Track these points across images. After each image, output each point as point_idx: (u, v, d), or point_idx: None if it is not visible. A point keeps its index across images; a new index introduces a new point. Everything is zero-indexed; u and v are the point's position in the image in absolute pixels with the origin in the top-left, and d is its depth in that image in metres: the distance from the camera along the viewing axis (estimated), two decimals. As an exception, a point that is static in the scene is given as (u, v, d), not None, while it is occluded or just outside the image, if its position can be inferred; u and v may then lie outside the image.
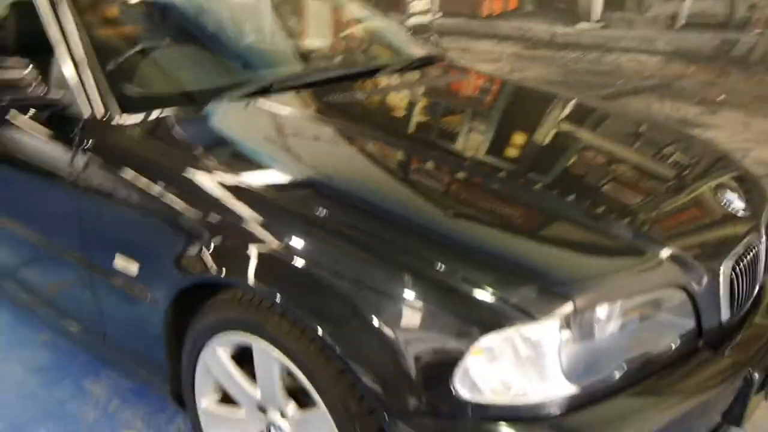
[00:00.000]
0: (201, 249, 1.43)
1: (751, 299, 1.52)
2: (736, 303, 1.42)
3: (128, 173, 1.62)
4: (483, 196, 1.49)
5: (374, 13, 2.90)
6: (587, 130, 2.04)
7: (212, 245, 1.41)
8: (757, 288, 1.54)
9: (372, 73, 2.25)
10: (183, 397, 1.70)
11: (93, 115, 1.75)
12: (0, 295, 2.64)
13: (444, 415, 1.16)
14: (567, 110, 2.18)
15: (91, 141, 1.72)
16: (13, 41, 2.21)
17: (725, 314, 1.39)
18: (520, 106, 2.23)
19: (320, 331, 1.23)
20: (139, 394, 2.17)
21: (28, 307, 2.26)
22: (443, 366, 1.15)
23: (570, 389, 1.17)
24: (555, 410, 1.16)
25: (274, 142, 1.72)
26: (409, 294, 1.18)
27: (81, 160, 1.72)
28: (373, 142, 1.71)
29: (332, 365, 1.25)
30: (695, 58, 3.49)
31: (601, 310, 1.20)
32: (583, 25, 3.86)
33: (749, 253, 1.46)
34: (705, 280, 1.33)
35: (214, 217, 1.44)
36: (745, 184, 1.72)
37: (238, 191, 1.45)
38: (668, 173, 1.72)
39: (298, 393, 1.41)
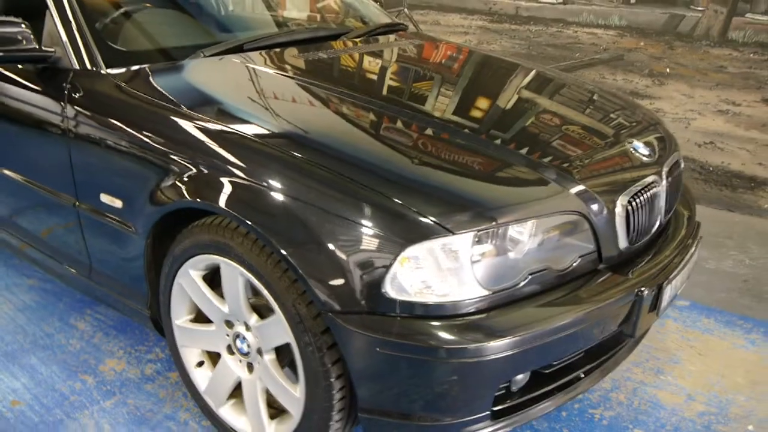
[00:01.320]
0: (177, 181, 1.64)
1: (653, 231, 1.76)
2: (633, 233, 1.66)
3: (111, 119, 1.82)
4: (430, 142, 1.69)
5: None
6: (527, 90, 2.27)
7: (187, 177, 1.62)
8: (658, 221, 1.78)
9: (338, 37, 2.46)
10: (161, 323, 1.92)
11: (82, 68, 1.94)
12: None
13: (377, 312, 1.39)
14: (505, 71, 2.42)
15: (79, 91, 1.91)
16: (2, 3, 2.38)
17: (622, 242, 1.62)
18: (467, 66, 2.45)
19: (281, 250, 1.45)
20: (120, 329, 2.39)
21: (20, 252, 2.45)
22: (377, 272, 1.36)
23: (482, 292, 1.40)
24: (470, 310, 1.40)
25: (242, 91, 1.91)
26: (355, 217, 1.40)
27: (70, 108, 1.91)
28: (331, 93, 1.91)
29: (286, 277, 1.47)
30: (646, 32, 3.72)
31: (509, 229, 1.43)
32: (545, 0, 4.07)
33: (646, 192, 1.70)
34: (603, 211, 1.57)
35: (188, 154, 1.64)
36: (658, 138, 1.96)
37: (209, 132, 1.65)
38: (597, 129, 1.94)
39: (258, 309, 1.64)
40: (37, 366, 2.17)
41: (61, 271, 2.26)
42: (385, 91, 2.05)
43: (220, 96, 1.88)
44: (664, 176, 1.79)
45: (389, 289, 1.37)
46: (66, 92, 1.94)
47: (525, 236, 1.45)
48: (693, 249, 1.85)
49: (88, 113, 1.88)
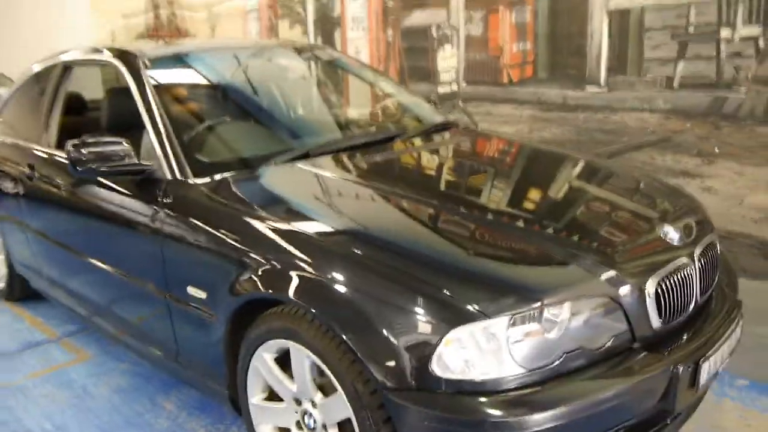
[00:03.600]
0: (252, 275, 1.90)
1: (689, 310, 1.87)
2: (665, 313, 1.78)
3: (198, 222, 2.12)
4: (477, 232, 1.88)
5: (400, 87, 3.42)
6: (571, 179, 2.45)
7: (261, 271, 1.88)
8: (693, 301, 1.89)
9: (394, 138, 2.73)
10: (238, 402, 2.14)
11: (173, 179, 2.28)
12: (92, 330, 3.19)
13: (425, 389, 1.56)
14: (556, 164, 2.62)
15: (170, 198, 2.24)
16: (107, 120, 2.81)
17: (655, 322, 1.75)
18: (524, 161, 2.67)
19: (342, 335, 1.67)
20: (202, 409, 2.63)
21: (116, 338, 2.76)
22: (425, 353, 1.55)
23: (519, 371, 1.56)
24: (509, 386, 1.55)
25: (312, 196, 2.19)
26: (406, 305, 1.60)
27: (163, 212, 2.24)
28: (389, 192, 2.14)
29: (346, 358, 1.67)
30: (691, 114, 3.87)
31: (543, 312, 1.59)
32: (591, 89, 4.30)
33: (677, 274, 1.83)
34: (633, 294, 1.71)
35: (262, 251, 1.91)
36: (692, 221, 2.09)
37: (280, 232, 1.91)
38: (633, 215, 2.09)
39: (323, 388, 1.83)
40: (130, 442, 2.42)
41: (151, 356, 2.54)
42: (438, 187, 2.29)
43: (289, 199, 2.16)
44: (696, 258, 1.92)
45: (435, 368, 1.55)
46: (159, 198, 2.27)
47: (558, 319, 1.60)
48: (733, 326, 1.94)
49: (178, 216, 2.20)
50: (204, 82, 2.92)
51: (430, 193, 2.18)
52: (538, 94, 4.54)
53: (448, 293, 1.59)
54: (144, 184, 2.37)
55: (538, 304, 1.59)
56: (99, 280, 2.74)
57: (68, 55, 3.25)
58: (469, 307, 1.56)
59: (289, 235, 1.89)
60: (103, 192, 2.56)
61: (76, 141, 2.30)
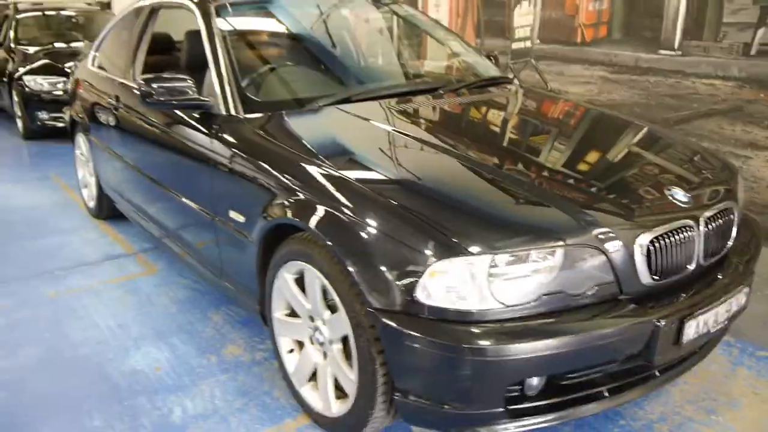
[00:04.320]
0: (283, 203, 2.11)
1: (687, 271, 1.91)
2: (658, 270, 1.84)
3: (241, 152, 2.35)
4: (492, 178, 1.98)
5: (463, 43, 3.47)
6: (602, 137, 2.49)
7: (290, 201, 2.09)
8: (694, 263, 1.92)
9: (440, 88, 2.84)
10: (265, 315, 2.39)
11: (226, 114, 2.52)
12: (162, 249, 3.56)
13: (410, 313, 1.72)
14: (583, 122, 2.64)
15: (222, 130, 2.49)
16: (184, 59, 3.08)
17: (645, 278, 1.81)
18: (559, 116, 2.71)
19: (344, 260, 1.85)
20: (244, 323, 2.93)
21: (179, 257, 3.09)
22: (411, 280, 1.70)
23: (496, 306, 1.69)
24: (485, 319, 1.69)
25: (343, 137, 2.35)
26: (401, 237, 1.74)
27: (216, 144, 2.49)
28: (418, 138, 2.26)
29: (347, 281, 1.86)
30: (766, 84, 3.70)
31: (523, 255, 1.70)
32: (664, 52, 4.18)
33: (675, 235, 1.87)
34: (620, 247, 1.77)
35: (296, 183, 2.10)
36: (709, 187, 2.11)
37: (309, 167, 2.10)
38: (649, 174, 2.12)
39: (331, 308, 2.04)
40: (178, 345, 2.75)
41: (204, 274, 2.84)
42: (464, 134, 2.40)
43: (320, 138, 2.33)
44: (702, 222, 1.94)
45: (420, 295, 1.71)
46: (214, 131, 2.52)
47: (541, 264, 1.71)
48: (733, 293, 1.96)
49: (225, 147, 2.44)
50: (270, 28, 3.12)
51: (454, 138, 2.30)
52: (611, 55, 4.45)
53: (440, 229, 1.73)
54: (203, 118, 2.63)
55: (521, 247, 1.70)
56: (167, 205, 3.06)
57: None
58: (456, 243, 1.69)
59: (316, 171, 2.08)
60: (172, 123, 2.85)
61: (147, 76, 2.58)
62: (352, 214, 1.88)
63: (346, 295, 1.87)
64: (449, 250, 1.69)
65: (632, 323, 1.74)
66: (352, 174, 2.03)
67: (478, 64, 3.28)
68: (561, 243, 1.73)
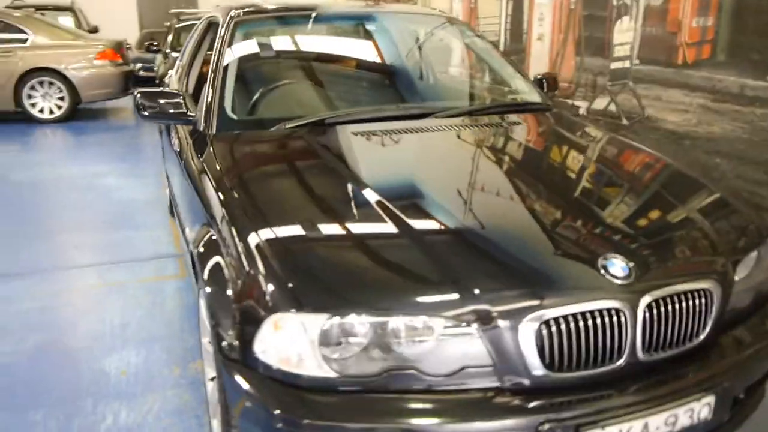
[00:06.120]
0: (203, 226, 2.06)
1: (610, 366, 1.53)
2: (555, 360, 1.48)
3: (206, 162, 2.30)
4: (373, 228, 1.74)
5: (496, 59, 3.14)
6: (571, 175, 2.10)
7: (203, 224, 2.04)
8: (624, 357, 1.53)
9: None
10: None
11: (202, 129, 2.53)
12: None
13: (247, 365, 1.56)
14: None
15: (194, 147, 2.50)
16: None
17: (537, 368, 1.47)
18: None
19: (208, 300, 1.75)
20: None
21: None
22: (250, 332, 1.55)
23: (328, 374, 1.47)
24: (317, 386, 1.48)
25: (275, 163, 2.26)
26: (255, 287, 1.58)
27: (192, 154, 2.50)
28: (347, 175, 2.05)
29: (211, 317, 1.73)
30: None
31: (369, 321, 1.46)
32: (772, 79, 3.48)
33: (591, 318, 1.49)
34: (497, 327, 1.45)
35: (206, 205, 2.05)
36: (676, 258, 1.67)
37: (216, 194, 2.01)
38: (594, 235, 1.72)
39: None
40: (156, 351, 2.82)
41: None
42: (405, 174, 2.14)
43: (248, 162, 2.25)
44: (642, 305, 1.54)
45: (257, 348, 1.55)
46: (189, 146, 2.55)
47: (383, 331, 1.46)
48: (680, 401, 1.53)
49: (192, 163, 2.44)
50: (275, 46, 3.08)
51: (386, 178, 2.07)
52: (713, 80, 3.80)
53: (287, 280, 1.55)
54: (192, 132, 2.67)
55: (361, 311, 1.47)
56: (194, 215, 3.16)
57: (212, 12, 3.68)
58: (294, 298, 1.51)
59: (220, 195, 2.00)
60: (180, 135, 2.93)
61: (143, 89, 2.67)
62: (224, 250, 1.77)
63: (210, 331, 1.76)
64: (287, 304, 1.52)
65: (495, 422, 1.42)
66: (235, 206, 1.90)
67: (515, 89, 2.96)
68: (415, 313, 1.47)
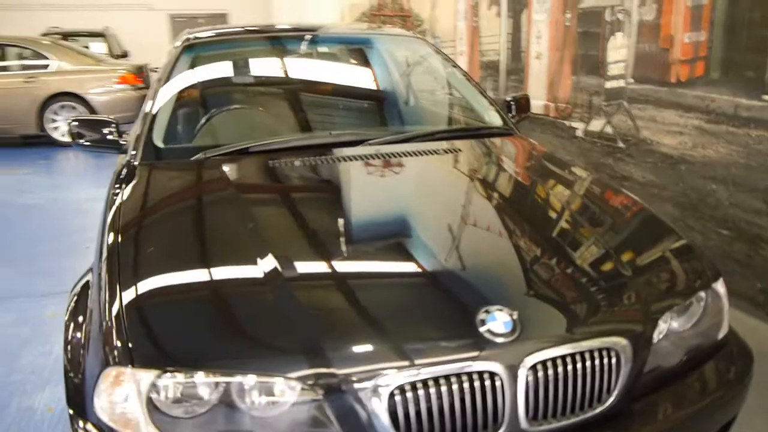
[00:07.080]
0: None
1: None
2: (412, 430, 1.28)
3: (114, 195, 2.15)
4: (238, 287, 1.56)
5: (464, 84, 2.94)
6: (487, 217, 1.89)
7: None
8: (504, 427, 1.33)
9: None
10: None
11: (131, 158, 2.41)
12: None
13: (91, 420, 1.40)
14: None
15: (122, 173, 2.36)
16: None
17: None
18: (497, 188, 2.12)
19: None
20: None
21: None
22: (89, 385, 1.41)
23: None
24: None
25: (166, 195, 2.11)
26: (97, 333, 1.46)
27: (122, 182, 2.37)
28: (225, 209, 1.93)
29: None
30: None
31: (191, 382, 1.30)
32: (768, 99, 3.21)
33: (459, 382, 1.29)
34: (351, 395, 1.27)
35: (99, 241, 1.92)
36: (572, 312, 1.45)
37: (110, 230, 1.87)
38: (493, 290, 1.52)
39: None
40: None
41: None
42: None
43: (148, 194, 2.11)
44: (523, 366, 1.33)
45: (96, 404, 1.40)
46: (122, 171, 2.43)
47: (220, 395, 1.29)
48: None
49: (124, 187, 2.32)
50: (216, 71, 2.95)
51: (276, 216, 1.93)
52: (707, 99, 3.53)
53: (129, 333, 1.40)
54: (125, 162, 2.55)
55: (199, 370, 1.30)
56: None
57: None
58: (122, 351, 1.36)
59: (109, 235, 1.85)
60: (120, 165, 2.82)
61: (79, 117, 2.59)
62: (90, 296, 1.64)
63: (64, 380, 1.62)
64: (117, 356, 1.36)
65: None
66: (114, 252, 1.73)
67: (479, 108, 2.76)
68: (240, 375, 1.30)
